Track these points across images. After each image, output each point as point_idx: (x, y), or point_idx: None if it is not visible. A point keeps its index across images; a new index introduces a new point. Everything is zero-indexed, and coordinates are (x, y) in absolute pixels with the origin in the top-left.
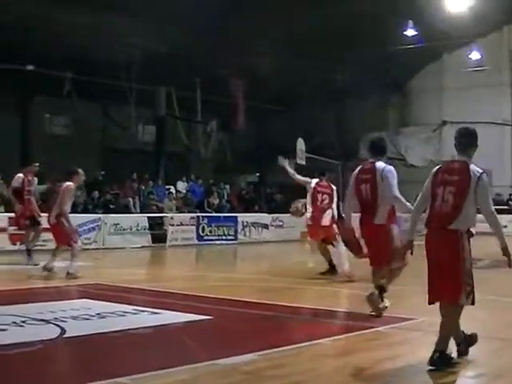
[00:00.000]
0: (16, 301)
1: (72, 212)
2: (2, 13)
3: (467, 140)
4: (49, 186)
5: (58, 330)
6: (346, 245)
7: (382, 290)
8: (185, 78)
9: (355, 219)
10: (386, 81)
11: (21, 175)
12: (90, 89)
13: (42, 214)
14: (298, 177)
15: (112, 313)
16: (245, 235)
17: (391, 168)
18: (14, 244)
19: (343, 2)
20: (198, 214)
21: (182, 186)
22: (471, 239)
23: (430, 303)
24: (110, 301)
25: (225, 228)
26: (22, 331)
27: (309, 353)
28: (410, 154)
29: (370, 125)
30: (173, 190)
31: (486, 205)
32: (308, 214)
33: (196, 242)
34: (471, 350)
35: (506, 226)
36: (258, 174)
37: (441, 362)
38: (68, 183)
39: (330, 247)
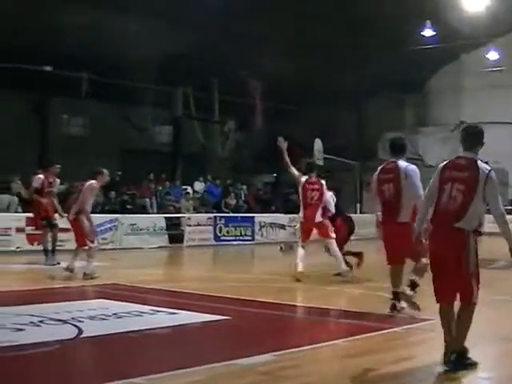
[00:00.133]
0: (33, 301)
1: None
2: (19, 15)
3: (474, 138)
4: (67, 187)
5: (75, 330)
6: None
7: (414, 285)
8: (202, 79)
9: None
10: (403, 81)
11: (41, 176)
12: (108, 90)
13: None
14: (292, 169)
15: (129, 313)
16: (262, 235)
17: (414, 167)
18: (32, 244)
19: (361, 1)
20: (215, 215)
21: (199, 186)
22: (479, 238)
23: (439, 303)
24: (126, 301)
25: (242, 228)
26: (40, 331)
27: (325, 353)
28: (428, 154)
29: (387, 125)
30: (190, 190)
31: (496, 204)
32: (300, 213)
33: (213, 242)
34: (486, 350)
35: None
36: (274, 175)
37: (457, 363)
38: (92, 181)
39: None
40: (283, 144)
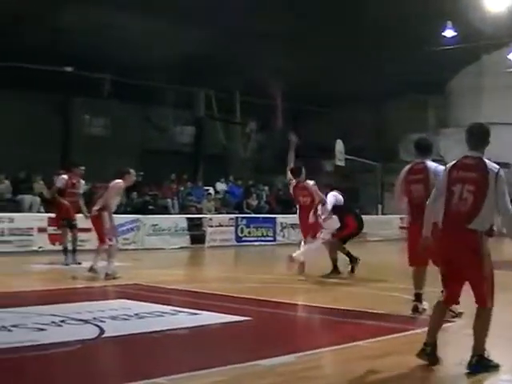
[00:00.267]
0: (55, 301)
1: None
2: (40, 15)
3: (480, 137)
4: (89, 187)
5: (97, 330)
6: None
7: None
8: (224, 80)
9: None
10: (425, 82)
11: (65, 176)
12: (129, 90)
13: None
14: (289, 169)
15: (150, 313)
16: (283, 236)
17: (443, 168)
18: (54, 244)
19: (382, 2)
20: (237, 215)
21: (220, 186)
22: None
23: (448, 305)
24: (148, 301)
25: (263, 229)
26: (61, 331)
27: (347, 354)
28: (449, 155)
29: (409, 126)
30: (211, 190)
31: (504, 202)
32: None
33: (235, 243)
34: (505, 353)
35: None
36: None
37: (479, 366)
38: (118, 180)
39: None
40: (294, 139)
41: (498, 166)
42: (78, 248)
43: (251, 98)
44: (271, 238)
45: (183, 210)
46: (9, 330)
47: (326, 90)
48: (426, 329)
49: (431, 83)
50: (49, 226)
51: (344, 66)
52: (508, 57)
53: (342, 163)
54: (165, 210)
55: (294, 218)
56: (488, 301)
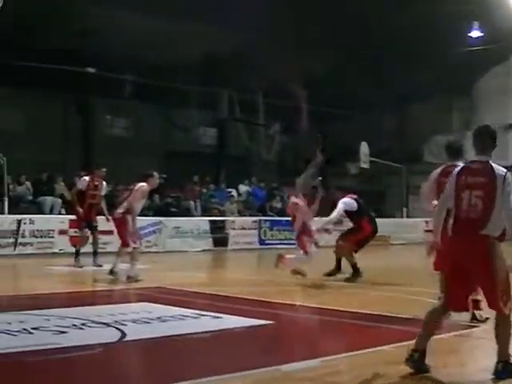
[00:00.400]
0: (76, 303)
1: None
2: (62, 15)
3: (486, 140)
4: (111, 189)
5: (119, 334)
6: None
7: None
8: (247, 81)
9: None
10: (450, 83)
11: (86, 178)
12: (151, 91)
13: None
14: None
15: (173, 317)
16: None
17: None
18: (74, 246)
19: (408, 3)
20: (260, 218)
21: (244, 189)
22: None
23: (448, 308)
24: (170, 304)
25: (287, 232)
26: (82, 334)
27: (372, 359)
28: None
29: (434, 128)
30: (234, 193)
31: (509, 201)
32: None
33: (257, 245)
34: None
35: None
36: (320, 178)
37: (505, 372)
38: (142, 184)
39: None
40: (318, 160)
41: (505, 170)
42: (100, 250)
43: (275, 100)
44: (294, 241)
45: (206, 212)
46: (30, 333)
47: (350, 91)
48: (452, 333)
49: (457, 85)
50: (70, 228)
51: (368, 68)
52: None
53: (366, 165)
54: (187, 213)
55: (317, 222)
56: (503, 308)
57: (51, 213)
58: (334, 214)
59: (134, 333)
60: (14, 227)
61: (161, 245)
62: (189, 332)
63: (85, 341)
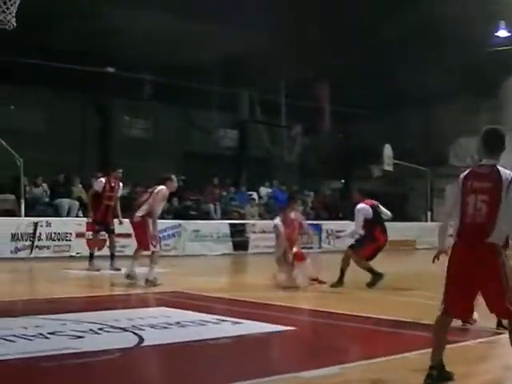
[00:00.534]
0: (93, 307)
1: None
2: (83, 15)
3: (494, 142)
4: (129, 191)
5: (136, 339)
6: None
7: None
8: (268, 82)
9: None
10: (477, 83)
11: (103, 179)
12: (171, 92)
13: (123, 220)
14: None
15: (192, 322)
16: (329, 243)
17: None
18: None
19: (434, 3)
20: None
21: (264, 191)
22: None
23: (448, 314)
24: (189, 309)
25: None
26: (99, 339)
27: (395, 366)
28: (504, 160)
29: (460, 129)
30: (255, 195)
31: None
32: None
33: None
34: None
35: None
36: (342, 181)
37: None
38: (161, 187)
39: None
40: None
41: (511, 173)
42: (118, 254)
43: (296, 101)
44: (316, 245)
45: (226, 215)
46: (46, 337)
47: (374, 92)
48: (477, 340)
49: (484, 85)
50: (87, 231)
51: (393, 68)
52: None
53: (390, 168)
54: (207, 216)
55: (339, 225)
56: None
57: (68, 215)
58: (357, 227)
59: (152, 338)
60: (31, 230)
61: (180, 248)
62: (209, 337)
63: (101, 346)
